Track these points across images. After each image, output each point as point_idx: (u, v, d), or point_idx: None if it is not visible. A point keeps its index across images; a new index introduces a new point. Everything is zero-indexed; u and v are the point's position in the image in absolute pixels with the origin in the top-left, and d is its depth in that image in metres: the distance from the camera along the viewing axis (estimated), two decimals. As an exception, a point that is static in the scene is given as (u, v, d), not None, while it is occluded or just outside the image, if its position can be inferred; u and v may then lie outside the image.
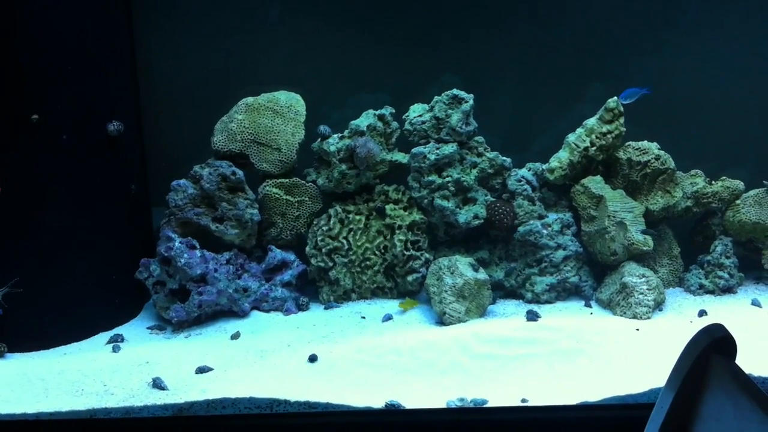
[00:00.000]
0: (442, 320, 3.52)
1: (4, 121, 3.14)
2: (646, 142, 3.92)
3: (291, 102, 3.84)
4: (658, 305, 3.65)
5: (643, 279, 3.58)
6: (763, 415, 1.67)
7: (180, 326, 3.53)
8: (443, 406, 2.75)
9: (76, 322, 3.45)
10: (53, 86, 3.20)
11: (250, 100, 3.82)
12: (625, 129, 3.84)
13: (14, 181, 3.12)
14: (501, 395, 2.79)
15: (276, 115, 3.79)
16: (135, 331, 3.57)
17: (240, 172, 3.68)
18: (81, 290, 3.44)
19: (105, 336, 3.48)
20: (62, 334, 3.40)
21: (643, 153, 3.87)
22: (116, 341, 3.39)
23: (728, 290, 3.90)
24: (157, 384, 2.88)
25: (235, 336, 3.42)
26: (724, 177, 4.02)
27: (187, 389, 2.85)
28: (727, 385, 1.80)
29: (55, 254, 3.33)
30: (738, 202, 3.97)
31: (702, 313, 3.60)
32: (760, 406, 1.69)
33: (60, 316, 3.39)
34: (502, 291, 3.93)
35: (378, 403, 2.74)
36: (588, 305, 3.79)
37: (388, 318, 3.60)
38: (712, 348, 1.87)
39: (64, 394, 2.85)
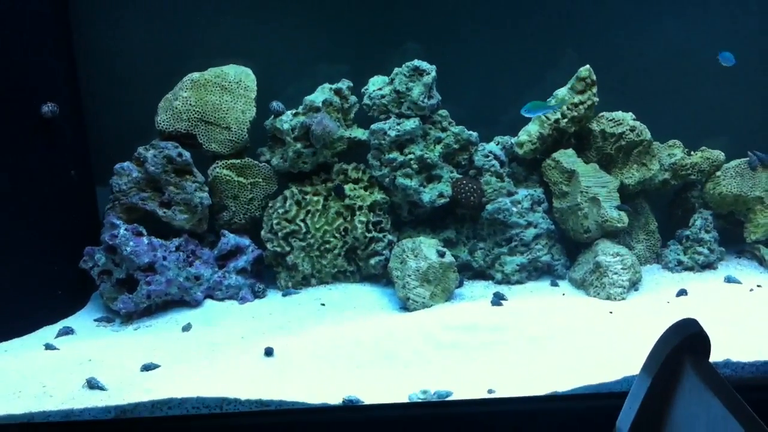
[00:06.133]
0: (405, 306, 3.38)
1: None
2: (620, 112, 3.76)
3: (240, 77, 3.62)
4: (634, 285, 3.51)
5: (618, 258, 3.42)
6: (736, 423, 1.49)
7: (129, 318, 3.37)
8: (405, 400, 2.59)
9: (17, 317, 3.25)
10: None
11: (196, 75, 3.58)
12: (598, 99, 3.68)
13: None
14: (466, 386, 2.63)
15: (224, 91, 3.56)
16: (82, 323, 3.38)
17: (187, 154, 3.47)
18: (20, 283, 3.25)
19: (50, 329, 3.30)
20: (1, 329, 3.19)
21: (618, 124, 3.69)
22: (63, 335, 3.21)
23: (708, 266, 3.79)
24: (93, 384, 2.69)
25: (186, 328, 3.26)
26: (704, 147, 3.90)
27: (130, 389, 2.67)
28: (700, 388, 1.63)
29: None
30: (718, 173, 3.86)
31: (681, 292, 3.45)
32: (733, 413, 1.52)
33: (-2, 311, 3.20)
34: (471, 271, 3.79)
35: (335, 399, 2.58)
36: (555, 284, 3.65)
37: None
38: (685, 346, 1.72)
39: (0, 398, 2.66)
